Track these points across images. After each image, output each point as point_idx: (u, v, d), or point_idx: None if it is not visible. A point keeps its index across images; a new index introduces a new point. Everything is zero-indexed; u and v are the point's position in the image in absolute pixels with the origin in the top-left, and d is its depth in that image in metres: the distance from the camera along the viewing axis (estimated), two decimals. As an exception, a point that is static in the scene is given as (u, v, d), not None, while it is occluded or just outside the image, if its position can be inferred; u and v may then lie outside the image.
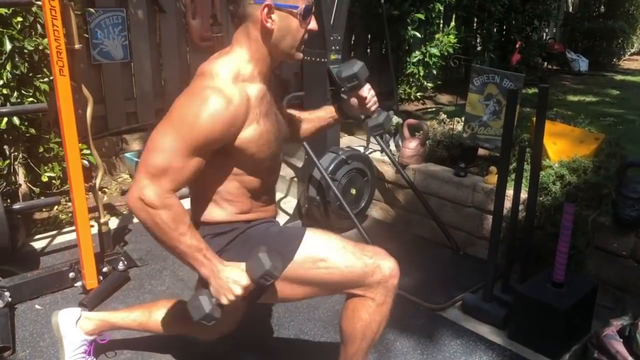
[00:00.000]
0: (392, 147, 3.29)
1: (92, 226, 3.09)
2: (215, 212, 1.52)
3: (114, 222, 3.31)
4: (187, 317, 1.84)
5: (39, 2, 2.49)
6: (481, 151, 3.33)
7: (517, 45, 6.34)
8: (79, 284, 2.45)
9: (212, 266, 1.38)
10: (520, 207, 2.51)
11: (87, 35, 3.61)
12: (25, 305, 2.37)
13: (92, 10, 3.50)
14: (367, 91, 1.76)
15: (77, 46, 2.34)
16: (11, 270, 2.57)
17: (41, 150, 3.37)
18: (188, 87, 1.43)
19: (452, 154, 3.32)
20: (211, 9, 4.26)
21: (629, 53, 9.62)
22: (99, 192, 2.77)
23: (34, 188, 3.44)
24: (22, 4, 2.50)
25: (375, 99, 1.79)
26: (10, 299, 2.29)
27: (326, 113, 1.86)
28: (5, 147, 3.24)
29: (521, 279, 2.38)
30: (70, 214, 3.37)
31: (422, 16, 5.06)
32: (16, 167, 3.34)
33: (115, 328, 1.97)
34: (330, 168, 2.84)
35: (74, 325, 1.92)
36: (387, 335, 2.17)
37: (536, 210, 2.46)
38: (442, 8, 5.39)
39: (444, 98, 5.88)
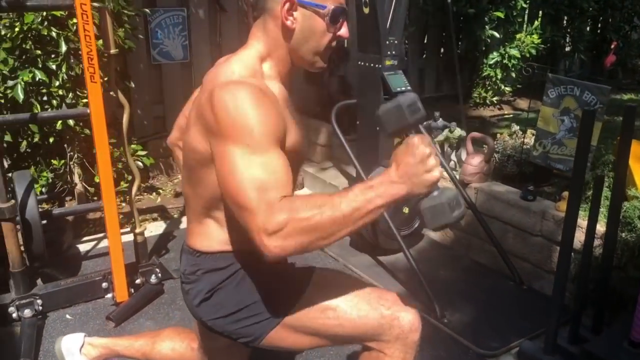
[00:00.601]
0: (453, 162, 2.98)
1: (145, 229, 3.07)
2: (215, 236, 1.30)
3: (160, 226, 3.27)
4: (189, 350, 1.70)
5: (110, 5, 2.45)
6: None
7: (613, 46, 5.73)
8: (109, 295, 2.39)
9: (389, 179, 1.10)
10: (598, 242, 2.16)
11: (141, 37, 3.58)
12: (56, 314, 2.34)
13: (147, 10, 3.46)
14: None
15: (112, 51, 2.25)
16: (52, 273, 2.57)
17: (95, 151, 3.39)
18: (206, 101, 1.17)
19: (523, 170, 2.97)
20: (273, 8, 4.12)
21: None
22: (134, 199, 2.69)
23: (88, 188, 3.47)
24: (62, 8, 2.45)
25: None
26: (41, 307, 2.26)
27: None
28: (65, 146, 3.29)
29: (593, 328, 2.03)
30: (122, 216, 3.37)
31: (501, 14, 4.65)
32: (72, 166, 3.38)
33: (119, 356, 1.86)
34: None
35: (78, 352, 1.82)
36: (426, 383, 1.92)
37: (617, 248, 2.10)
38: (525, 5, 4.94)
39: (523, 103, 5.41)
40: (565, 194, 2.42)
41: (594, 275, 2.09)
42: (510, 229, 2.62)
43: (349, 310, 1.29)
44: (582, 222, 2.17)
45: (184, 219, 3.36)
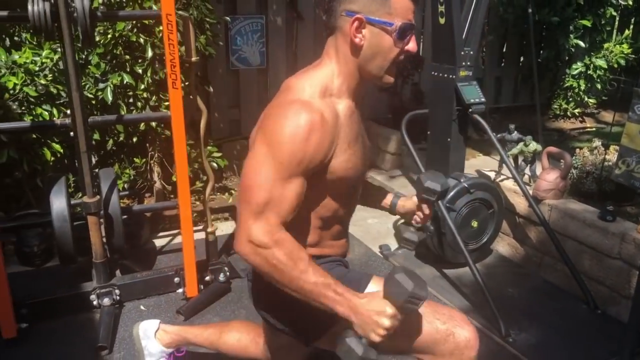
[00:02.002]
0: (527, 176, 2.88)
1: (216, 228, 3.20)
2: None
3: (231, 226, 3.39)
4: (253, 344, 1.76)
5: (194, 13, 2.59)
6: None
7: None
8: (180, 290, 2.51)
9: (347, 301, 1.19)
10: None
11: (221, 43, 3.73)
12: (132, 304, 2.48)
13: (227, 18, 3.60)
14: (429, 210, 1.51)
15: (193, 59, 2.37)
16: (129, 266, 2.72)
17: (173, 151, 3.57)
18: (272, 104, 1.29)
19: (603, 189, 2.83)
20: (349, 15, 4.16)
21: None
22: (207, 199, 2.80)
23: (166, 186, 3.66)
24: (150, 17, 2.60)
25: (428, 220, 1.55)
26: (119, 297, 2.42)
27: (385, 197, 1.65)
28: (147, 145, 3.49)
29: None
30: (195, 214, 3.52)
31: (588, 23, 4.44)
32: (152, 165, 3.57)
33: (189, 344, 1.95)
34: (449, 197, 2.56)
35: (153, 337, 1.93)
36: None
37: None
38: (615, 14, 4.69)
39: (608, 116, 5.13)
40: (648, 216, 2.29)
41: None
42: (585, 250, 2.50)
43: (403, 322, 1.29)
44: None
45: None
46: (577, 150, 3.14)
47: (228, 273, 2.62)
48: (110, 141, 3.37)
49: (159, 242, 3.14)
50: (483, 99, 2.56)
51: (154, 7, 3.03)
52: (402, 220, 3.35)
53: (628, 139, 2.48)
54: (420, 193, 1.49)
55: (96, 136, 3.27)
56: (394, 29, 1.24)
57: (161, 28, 3.10)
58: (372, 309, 1.17)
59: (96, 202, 2.31)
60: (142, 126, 3.26)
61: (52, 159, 3.10)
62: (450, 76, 2.56)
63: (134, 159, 3.49)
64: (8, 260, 2.70)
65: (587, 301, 2.44)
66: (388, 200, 1.63)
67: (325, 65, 1.30)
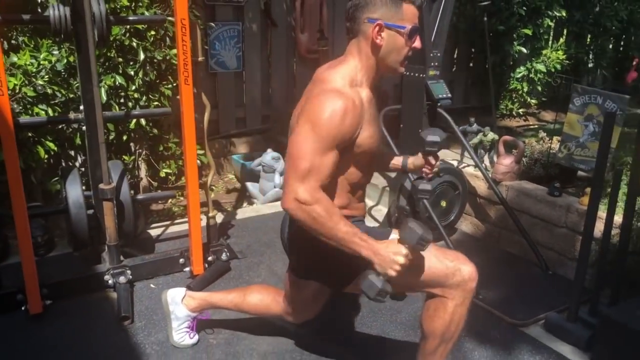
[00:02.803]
0: (487, 162, 3.31)
1: (200, 219, 3.45)
2: None
3: (218, 218, 3.64)
4: (274, 302, 2.06)
5: (171, 18, 2.86)
6: (581, 172, 3.26)
7: (635, 63, 6.03)
8: (187, 269, 2.76)
9: (370, 246, 1.52)
10: (616, 231, 2.46)
11: (206, 47, 3.99)
12: (142, 283, 2.71)
13: (213, 24, 3.87)
14: (435, 160, 1.91)
15: (200, 58, 2.64)
16: (132, 252, 2.94)
17: (161, 148, 3.79)
18: (311, 92, 1.62)
19: (549, 173, 3.29)
20: (319, 24, 4.52)
21: None
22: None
23: (152, 182, 3.87)
24: (157, 22, 2.86)
25: (436, 169, 1.95)
26: (131, 277, 2.64)
27: (393, 159, 2.04)
28: (132, 144, 3.69)
29: (611, 303, 2.33)
30: (182, 207, 3.76)
31: (529, 31, 4.98)
32: (139, 162, 3.78)
33: (215, 307, 2.23)
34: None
35: (180, 303, 2.19)
36: (466, 344, 2.24)
37: (631, 235, 2.40)
38: (551, 23, 5.27)
39: (548, 115, 5.72)
40: (588, 189, 2.74)
41: (611, 259, 2.39)
42: (537, 222, 2.94)
43: (422, 263, 1.63)
44: (602, 214, 2.48)
45: (239, 211, 3.74)
46: (526, 141, 3.61)
47: (228, 253, 2.89)
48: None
49: (153, 233, 3.35)
50: (449, 95, 2.96)
51: (146, 13, 3.29)
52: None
53: (569, 126, 2.95)
54: (424, 147, 1.84)
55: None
56: (406, 31, 1.60)
57: (152, 33, 3.38)
58: (389, 250, 1.51)
59: (112, 189, 2.53)
60: (132, 125, 3.47)
61: (46, 156, 3.26)
62: (421, 75, 2.95)
63: (123, 156, 3.69)
64: (13, 252, 2.88)
65: (540, 265, 2.87)
66: (398, 161, 2.01)
67: (350, 61, 1.65)
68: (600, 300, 2.35)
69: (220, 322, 2.36)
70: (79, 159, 3.59)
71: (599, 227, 2.43)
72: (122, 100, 3.43)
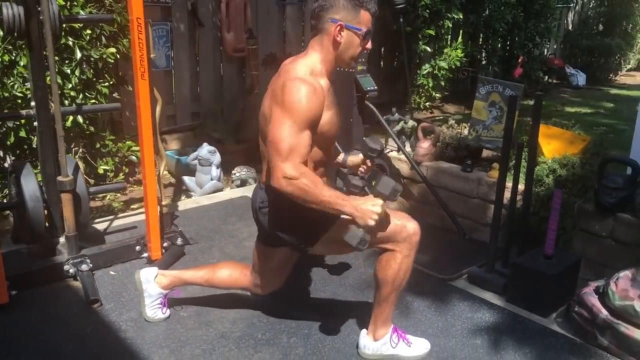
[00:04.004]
0: (408, 147, 3.75)
1: (143, 212, 3.56)
2: None
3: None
4: (242, 276, 2.31)
5: (118, 18, 2.98)
6: (484, 153, 3.79)
7: (520, 60, 6.82)
8: (145, 255, 2.90)
9: (351, 203, 1.78)
10: (519, 197, 2.96)
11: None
12: (101, 271, 2.81)
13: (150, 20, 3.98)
14: (370, 164, 2.30)
15: (152, 55, 2.80)
16: (82, 245, 3.02)
17: (97, 146, 3.85)
18: (276, 83, 1.87)
19: (459, 154, 3.78)
20: (244, 24, 4.75)
21: (625, 69, 10.10)
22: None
23: (89, 180, 3.91)
24: (105, 20, 2.97)
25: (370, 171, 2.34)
26: (91, 265, 2.75)
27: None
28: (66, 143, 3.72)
29: (518, 255, 2.82)
30: (121, 203, 3.85)
31: (432, 32, 5.54)
32: (76, 160, 3.81)
33: (186, 284, 2.43)
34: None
35: (152, 281, 2.37)
36: (407, 298, 2.62)
37: (532, 199, 2.90)
38: (450, 25, 5.88)
39: (451, 108, 6.35)
40: (494, 164, 3.25)
41: (516, 221, 2.88)
42: (454, 195, 3.41)
43: (379, 222, 1.96)
44: (508, 184, 2.96)
45: (180, 204, 3.89)
46: (438, 128, 4.09)
47: (182, 239, 3.07)
48: (35, 139, 3.56)
49: (98, 227, 3.42)
50: (376, 87, 3.34)
51: (82, 12, 3.36)
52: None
53: (476, 112, 3.44)
54: (365, 152, 2.18)
55: (22, 134, 3.44)
56: (362, 33, 1.92)
57: (88, 32, 3.46)
58: (368, 204, 1.81)
59: (70, 181, 2.64)
60: (68, 123, 3.52)
61: None
62: (351, 70, 3.31)
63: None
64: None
65: (459, 231, 3.33)
66: (340, 157, 2.31)
67: (312, 55, 1.94)
68: (510, 254, 2.83)
69: (188, 299, 2.56)
70: (8, 159, 3.57)
71: (505, 196, 2.91)
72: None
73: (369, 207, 1.79)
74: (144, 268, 2.40)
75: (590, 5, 9.42)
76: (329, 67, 1.97)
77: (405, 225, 2.00)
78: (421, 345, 2.21)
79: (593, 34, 9.15)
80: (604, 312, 2.22)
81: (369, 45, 1.97)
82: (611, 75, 9.38)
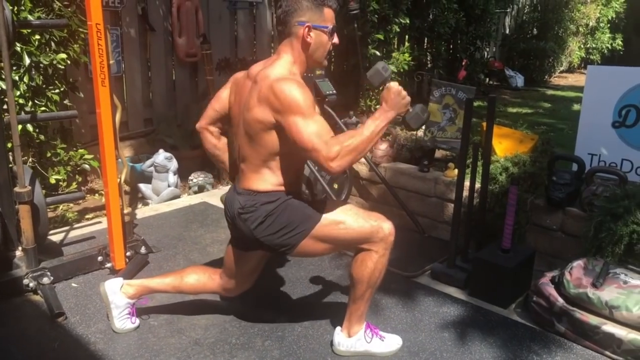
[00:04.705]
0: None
1: (100, 222, 3.50)
2: (269, 180, 1.99)
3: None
4: (210, 280, 2.31)
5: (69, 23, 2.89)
6: (438, 153, 3.93)
7: (463, 63, 7.09)
8: (108, 265, 2.84)
9: (381, 115, 1.89)
10: (475, 194, 3.10)
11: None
12: (62, 284, 2.73)
13: (108, 26, 3.88)
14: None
15: (111, 61, 2.75)
16: (41, 258, 2.92)
17: (48, 155, 3.72)
18: (259, 91, 1.90)
19: (414, 155, 3.90)
20: (196, 28, 4.71)
21: (558, 71, 10.66)
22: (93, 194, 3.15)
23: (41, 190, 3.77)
24: (59, 26, 2.89)
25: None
26: (52, 278, 2.66)
27: None
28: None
29: (477, 250, 2.95)
30: (75, 213, 3.74)
31: (381, 37, 5.67)
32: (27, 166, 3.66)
33: (153, 292, 2.40)
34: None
35: (118, 292, 2.33)
36: (374, 296, 2.67)
37: (487, 197, 3.05)
38: (398, 29, 6.04)
39: (400, 110, 6.51)
40: (450, 164, 3.39)
41: (474, 217, 3.02)
42: (412, 195, 3.52)
43: (352, 223, 2.02)
44: (465, 183, 3.09)
45: (138, 212, 3.81)
46: (394, 129, 4.21)
47: (144, 248, 3.02)
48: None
49: (54, 238, 3.31)
50: (334, 91, 3.41)
51: (29, 17, 3.25)
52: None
53: (431, 114, 3.57)
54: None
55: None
56: (329, 30, 1.98)
57: (37, 37, 3.35)
58: (389, 98, 1.90)
59: (28, 192, 2.55)
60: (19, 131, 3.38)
61: None
62: (310, 74, 3.36)
63: (9, 165, 3.55)
64: None
65: (419, 230, 3.45)
66: None
67: (284, 57, 1.98)
68: (469, 249, 2.97)
69: (157, 307, 2.53)
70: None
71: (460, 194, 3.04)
72: (4, 107, 3.33)
73: (392, 98, 1.89)
74: (108, 280, 2.36)
75: (525, 11, 9.90)
76: (302, 69, 2.02)
77: (381, 226, 2.06)
78: (394, 341, 2.29)
79: (528, 37, 9.61)
80: (560, 301, 2.37)
81: (335, 40, 2.04)
82: (546, 77, 9.89)
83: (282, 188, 2.02)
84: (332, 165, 1.80)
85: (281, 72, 1.92)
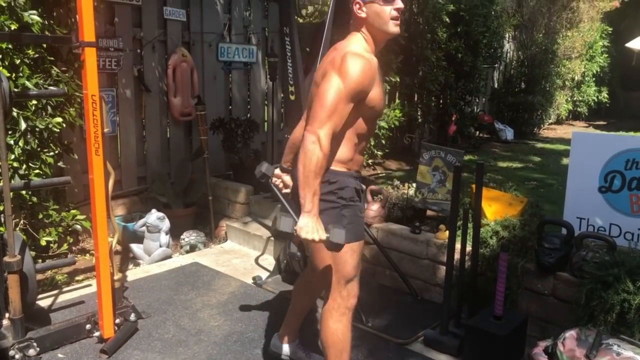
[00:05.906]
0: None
1: (90, 285, 3.47)
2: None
3: (109, 281, 3.65)
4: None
5: (65, 88, 2.95)
6: (429, 212, 3.96)
7: (453, 118, 7.26)
8: (97, 333, 2.80)
9: (312, 210, 1.87)
10: (466, 257, 3.11)
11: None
12: (48, 354, 2.68)
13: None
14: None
15: (106, 130, 2.79)
16: (28, 326, 2.87)
17: (40, 216, 3.71)
18: (334, 57, 1.97)
19: (405, 214, 3.93)
20: (191, 88, 4.81)
21: (547, 123, 10.88)
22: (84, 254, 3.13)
23: (31, 252, 3.74)
24: (56, 95, 2.94)
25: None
26: (38, 349, 2.61)
27: None
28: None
29: (469, 316, 2.93)
30: (65, 276, 3.71)
31: (372, 94, 5.81)
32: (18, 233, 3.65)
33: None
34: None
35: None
36: (366, 365, 2.66)
37: (478, 260, 3.06)
38: (388, 87, 6.19)
39: (392, 164, 6.59)
40: (441, 226, 3.40)
41: (466, 281, 3.02)
42: (404, 256, 3.52)
43: (349, 257, 2.09)
44: (457, 246, 3.11)
45: (129, 273, 3.78)
46: (385, 190, 4.25)
47: (134, 314, 2.98)
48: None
49: (42, 303, 3.27)
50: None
51: (27, 83, 3.31)
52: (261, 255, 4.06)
53: (421, 176, 3.62)
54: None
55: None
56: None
57: (34, 102, 3.41)
58: (316, 227, 1.87)
59: (18, 261, 2.54)
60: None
61: None
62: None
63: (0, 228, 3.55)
64: None
65: (411, 292, 3.43)
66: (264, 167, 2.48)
67: (354, 36, 2.06)
68: (462, 315, 2.95)
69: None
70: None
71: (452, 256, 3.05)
72: (-1, 170, 3.36)
73: (311, 228, 1.86)
74: None
75: (513, 66, 10.18)
76: (373, 46, 2.06)
77: (345, 286, 2.13)
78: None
79: (517, 91, 9.85)
80: (554, 372, 2.34)
81: (397, 4, 2.01)
82: (535, 129, 10.08)
83: (339, 167, 2.10)
84: (313, 133, 1.85)
85: (359, 47, 2.00)
